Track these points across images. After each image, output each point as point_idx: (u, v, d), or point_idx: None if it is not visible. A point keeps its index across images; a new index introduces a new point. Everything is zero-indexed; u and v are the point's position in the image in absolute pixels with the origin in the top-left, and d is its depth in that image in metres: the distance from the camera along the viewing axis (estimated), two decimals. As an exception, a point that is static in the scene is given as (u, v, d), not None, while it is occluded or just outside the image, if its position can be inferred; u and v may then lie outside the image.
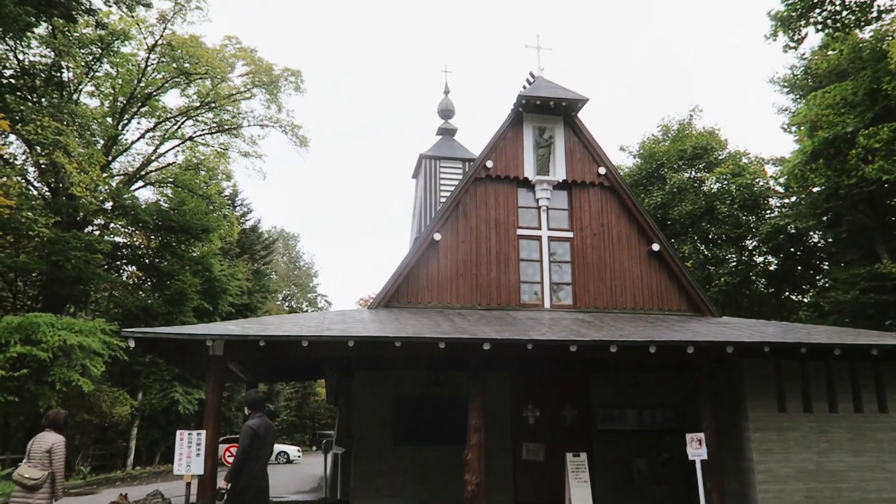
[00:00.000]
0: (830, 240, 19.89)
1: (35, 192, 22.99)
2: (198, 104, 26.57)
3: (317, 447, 40.11)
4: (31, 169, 23.11)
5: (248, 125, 28.08)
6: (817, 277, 21.59)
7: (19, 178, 21.88)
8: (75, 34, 21.89)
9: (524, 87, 13.88)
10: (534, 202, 13.44)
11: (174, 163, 27.30)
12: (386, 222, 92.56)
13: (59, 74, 22.59)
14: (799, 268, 22.78)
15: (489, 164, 13.17)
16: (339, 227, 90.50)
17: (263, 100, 27.64)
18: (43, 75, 20.72)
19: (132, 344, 8.41)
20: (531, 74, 14.15)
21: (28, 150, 21.38)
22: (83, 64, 23.23)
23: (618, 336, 9.84)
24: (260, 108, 28.04)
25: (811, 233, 22.02)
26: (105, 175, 23.50)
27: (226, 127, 27.84)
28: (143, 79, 24.71)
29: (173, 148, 27.26)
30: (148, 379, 26.60)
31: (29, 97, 20.76)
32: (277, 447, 33.33)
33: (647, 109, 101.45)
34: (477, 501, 9.12)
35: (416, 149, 77.78)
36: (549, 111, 13.44)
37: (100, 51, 23.16)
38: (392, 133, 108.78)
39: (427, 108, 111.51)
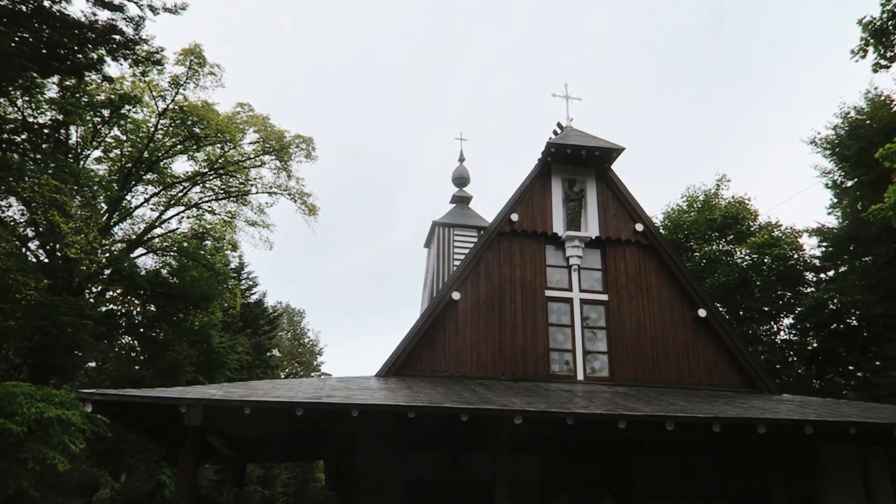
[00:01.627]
0: (881, 312, 18.12)
1: (30, 255, 21.87)
2: (206, 170, 25.83)
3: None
4: (30, 232, 22.15)
5: (257, 192, 27.18)
6: (867, 356, 19.78)
7: (17, 242, 20.82)
8: (84, 98, 21.39)
9: (551, 138, 12.80)
10: (563, 260, 12.09)
11: (177, 229, 26.32)
12: (395, 297, 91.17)
13: (65, 135, 21.95)
14: (842, 348, 21.02)
15: (514, 217, 11.92)
16: (346, 301, 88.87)
17: (273, 167, 26.84)
18: (45, 133, 20.05)
19: (89, 408, 6.95)
20: (558, 125, 13.09)
21: (25, 210, 20.46)
22: (91, 126, 22.65)
23: (673, 411, 8.26)
24: (269, 175, 27.17)
25: (854, 309, 20.39)
26: (107, 243, 22.47)
27: (234, 194, 26.97)
28: (151, 143, 24.09)
29: (178, 214, 26.35)
30: (133, 458, 24.36)
31: (31, 156, 20.03)
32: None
33: (666, 179, 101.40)
34: None
35: (426, 220, 77.41)
36: (580, 162, 12.28)
37: (109, 113, 22.62)
38: (402, 204, 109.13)
39: (441, 175, 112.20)
